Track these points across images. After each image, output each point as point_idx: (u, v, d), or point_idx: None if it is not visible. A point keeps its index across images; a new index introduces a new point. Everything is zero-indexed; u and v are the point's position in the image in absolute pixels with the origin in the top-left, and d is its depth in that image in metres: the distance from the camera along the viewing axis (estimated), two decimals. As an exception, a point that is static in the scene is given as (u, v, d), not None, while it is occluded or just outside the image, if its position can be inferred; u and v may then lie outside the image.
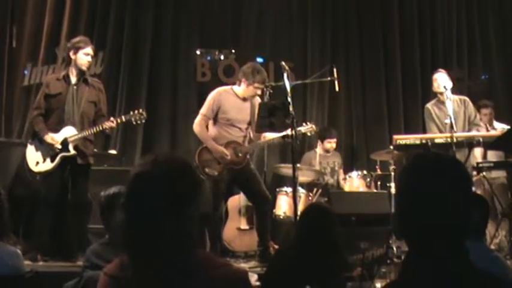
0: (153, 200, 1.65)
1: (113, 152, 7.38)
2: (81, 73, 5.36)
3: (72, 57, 5.36)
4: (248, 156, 5.71)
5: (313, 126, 5.97)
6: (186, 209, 1.69)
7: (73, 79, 5.34)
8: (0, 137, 7.41)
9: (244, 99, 5.65)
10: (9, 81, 7.79)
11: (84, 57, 5.32)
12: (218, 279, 1.66)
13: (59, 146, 5.19)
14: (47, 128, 5.27)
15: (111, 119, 5.29)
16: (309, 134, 6.00)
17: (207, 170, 5.48)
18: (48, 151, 5.23)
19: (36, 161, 5.28)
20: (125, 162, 7.38)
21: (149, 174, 1.69)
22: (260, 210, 5.74)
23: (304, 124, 5.95)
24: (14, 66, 7.85)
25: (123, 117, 5.32)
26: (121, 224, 1.72)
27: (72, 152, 5.22)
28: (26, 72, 7.81)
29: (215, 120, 5.62)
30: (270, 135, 5.71)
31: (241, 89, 5.65)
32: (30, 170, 5.32)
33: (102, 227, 3.41)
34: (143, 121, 5.42)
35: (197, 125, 5.65)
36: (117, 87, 7.86)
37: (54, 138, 5.21)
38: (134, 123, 5.38)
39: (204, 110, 5.65)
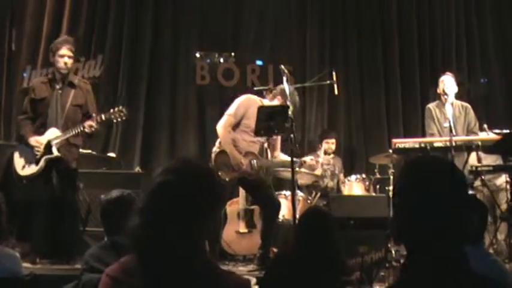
0: (173, 210, 1.65)
1: (112, 155, 7.38)
2: (64, 76, 5.25)
3: (52, 60, 5.29)
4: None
5: (316, 160, 6.02)
6: (204, 220, 1.70)
7: (58, 83, 5.24)
8: (0, 140, 7.41)
9: None
10: (8, 84, 7.80)
11: (59, 59, 5.21)
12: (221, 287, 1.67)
13: (42, 148, 5.10)
14: (32, 131, 5.20)
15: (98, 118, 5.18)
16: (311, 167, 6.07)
17: (220, 173, 5.34)
18: (33, 154, 5.16)
19: (22, 165, 5.21)
20: (123, 165, 7.38)
21: (173, 185, 1.68)
22: (267, 215, 5.59)
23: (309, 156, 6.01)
24: (13, 69, 7.86)
25: (102, 116, 5.18)
26: (135, 229, 1.70)
27: (56, 153, 5.13)
28: (25, 75, 7.82)
29: (236, 125, 5.51)
30: (283, 157, 5.74)
31: (272, 104, 5.55)
32: (17, 175, 5.23)
33: (101, 230, 3.41)
34: (124, 118, 5.29)
35: (222, 126, 5.47)
36: (117, 90, 7.87)
37: (39, 141, 5.14)
38: (115, 120, 5.27)
39: (231, 111, 5.49)
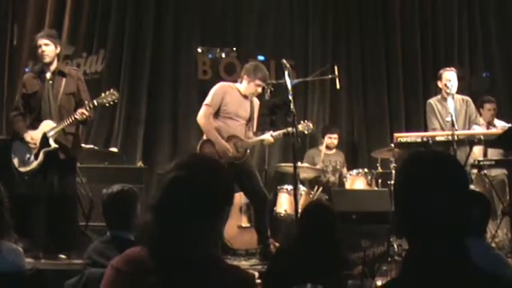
0: (187, 205, 1.65)
1: (114, 149, 7.38)
2: (48, 65, 5.24)
3: (37, 54, 5.33)
4: (248, 152, 5.70)
5: (310, 124, 5.97)
6: (216, 216, 1.72)
7: (48, 74, 5.24)
8: (2, 135, 7.42)
9: (245, 97, 5.65)
10: (10, 80, 7.80)
11: (38, 51, 5.24)
12: (227, 282, 1.68)
13: (37, 144, 5.09)
14: (26, 126, 5.20)
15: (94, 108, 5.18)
16: (305, 132, 5.99)
17: None
18: (30, 149, 5.14)
19: (21, 161, 5.20)
20: (126, 160, 7.39)
21: (186, 180, 1.68)
22: (258, 208, 5.72)
23: (302, 122, 5.97)
24: (15, 64, 7.86)
25: (95, 102, 5.16)
26: (148, 224, 1.71)
27: (54, 145, 5.11)
28: (27, 70, 7.79)
29: (216, 113, 5.60)
30: (258, 137, 5.76)
31: (242, 86, 5.65)
32: (18, 171, 5.20)
33: (104, 225, 3.42)
34: (116, 101, 5.31)
35: (202, 116, 5.57)
36: (119, 85, 7.85)
37: (33, 137, 5.13)
38: (107, 104, 5.27)
39: (208, 100, 5.59)
